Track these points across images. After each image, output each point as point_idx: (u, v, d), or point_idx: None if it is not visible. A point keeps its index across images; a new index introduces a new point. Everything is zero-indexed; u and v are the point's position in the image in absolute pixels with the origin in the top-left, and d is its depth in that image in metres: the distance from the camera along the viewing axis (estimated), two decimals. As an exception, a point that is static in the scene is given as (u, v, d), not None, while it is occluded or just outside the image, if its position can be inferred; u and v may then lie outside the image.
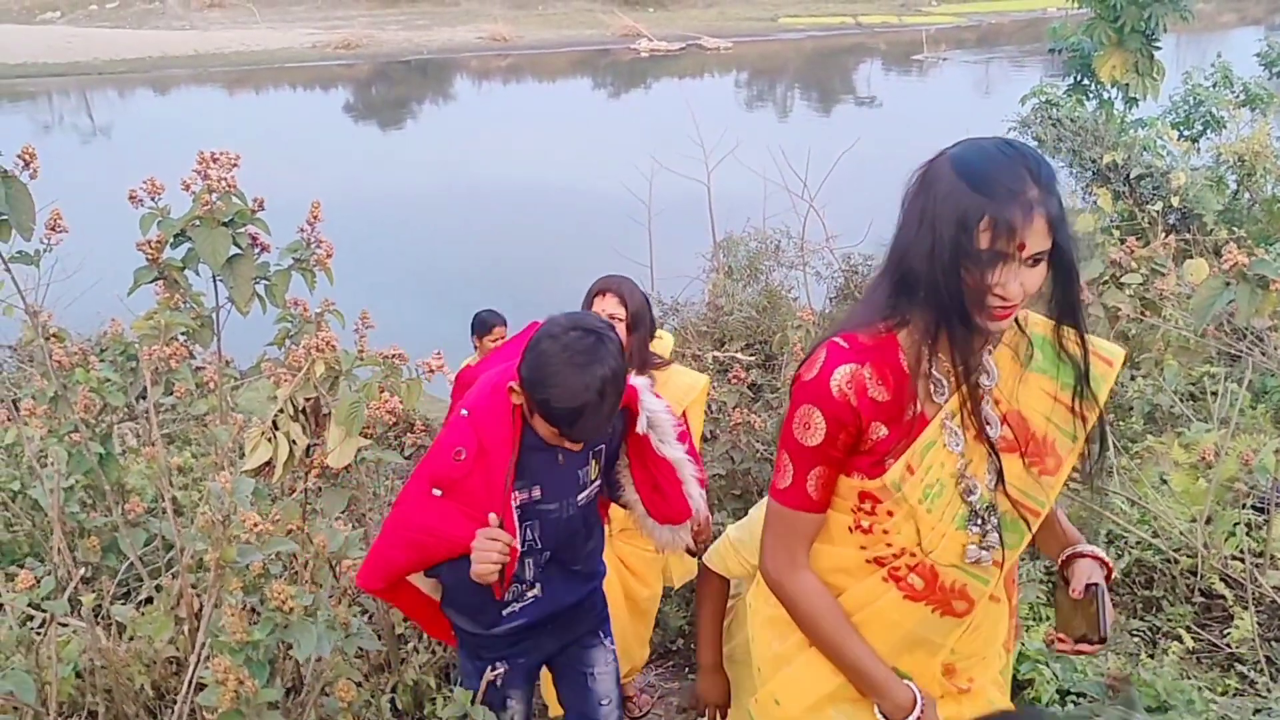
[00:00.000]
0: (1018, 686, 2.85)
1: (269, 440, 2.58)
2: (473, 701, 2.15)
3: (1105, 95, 12.46)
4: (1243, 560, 3.31)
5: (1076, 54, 12.52)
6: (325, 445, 2.63)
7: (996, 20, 38.27)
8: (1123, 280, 4.53)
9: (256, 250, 2.84)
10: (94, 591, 2.64)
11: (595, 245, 13.44)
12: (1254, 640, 3.12)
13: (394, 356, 2.70)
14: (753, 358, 6.42)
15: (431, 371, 2.73)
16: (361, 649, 2.07)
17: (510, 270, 13.24)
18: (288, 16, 37.54)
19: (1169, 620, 3.47)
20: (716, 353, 6.36)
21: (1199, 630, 3.40)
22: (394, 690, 2.91)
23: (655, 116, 22.54)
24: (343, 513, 2.87)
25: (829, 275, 8.16)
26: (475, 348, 5.08)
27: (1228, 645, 3.28)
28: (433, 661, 2.99)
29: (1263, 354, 4.53)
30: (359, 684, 2.58)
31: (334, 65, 32.81)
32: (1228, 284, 3.18)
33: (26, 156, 2.24)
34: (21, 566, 3.25)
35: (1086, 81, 12.56)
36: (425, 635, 3.08)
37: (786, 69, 33.17)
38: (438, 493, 2.06)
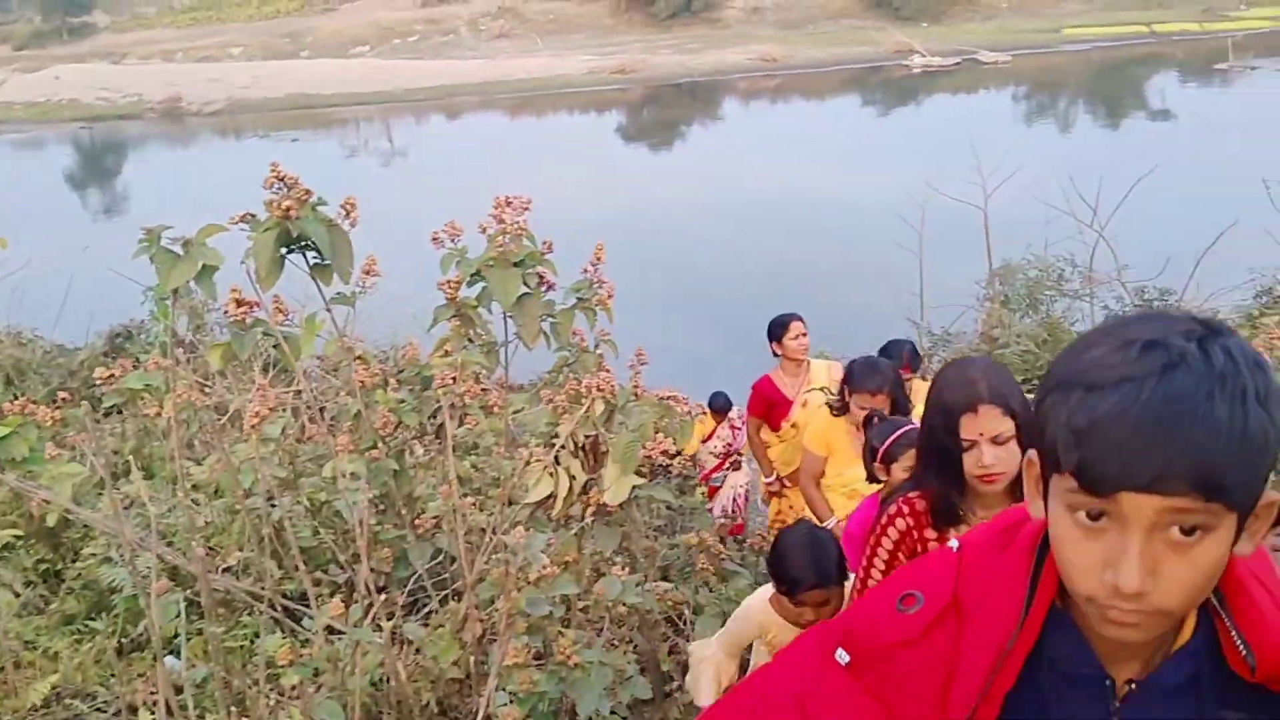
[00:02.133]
0: None
1: (550, 475, 2.68)
2: None
3: None
4: None
5: None
6: (601, 482, 2.70)
7: (1321, 22, 34.54)
8: None
9: (544, 289, 2.96)
10: (387, 604, 2.83)
11: (863, 270, 13.23)
12: None
13: (669, 399, 2.74)
14: (1031, 394, 6.05)
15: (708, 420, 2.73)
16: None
17: (774, 291, 13.25)
18: (569, 44, 39.50)
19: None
20: (991, 389, 6.06)
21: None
22: (654, 728, 2.94)
23: (927, 134, 21.95)
24: (618, 550, 2.93)
25: (1119, 310, 7.57)
26: (775, 354, 4.65)
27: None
28: (694, 703, 3.00)
29: None
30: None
31: (608, 90, 34.15)
32: None
33: (348, 207, 2.43)
34: (325, 572, 3.57)
35: None
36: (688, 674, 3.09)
37: (1070, 82, 31.36)
38: (844, 658, 1.10)
